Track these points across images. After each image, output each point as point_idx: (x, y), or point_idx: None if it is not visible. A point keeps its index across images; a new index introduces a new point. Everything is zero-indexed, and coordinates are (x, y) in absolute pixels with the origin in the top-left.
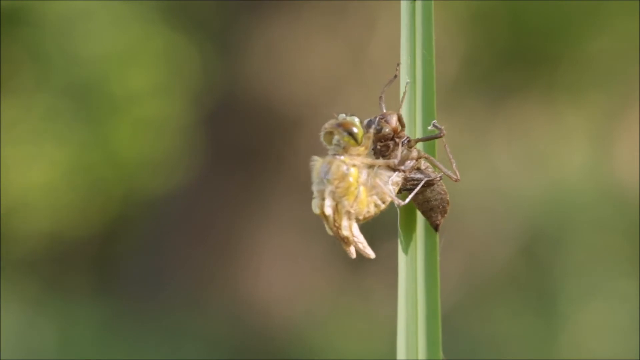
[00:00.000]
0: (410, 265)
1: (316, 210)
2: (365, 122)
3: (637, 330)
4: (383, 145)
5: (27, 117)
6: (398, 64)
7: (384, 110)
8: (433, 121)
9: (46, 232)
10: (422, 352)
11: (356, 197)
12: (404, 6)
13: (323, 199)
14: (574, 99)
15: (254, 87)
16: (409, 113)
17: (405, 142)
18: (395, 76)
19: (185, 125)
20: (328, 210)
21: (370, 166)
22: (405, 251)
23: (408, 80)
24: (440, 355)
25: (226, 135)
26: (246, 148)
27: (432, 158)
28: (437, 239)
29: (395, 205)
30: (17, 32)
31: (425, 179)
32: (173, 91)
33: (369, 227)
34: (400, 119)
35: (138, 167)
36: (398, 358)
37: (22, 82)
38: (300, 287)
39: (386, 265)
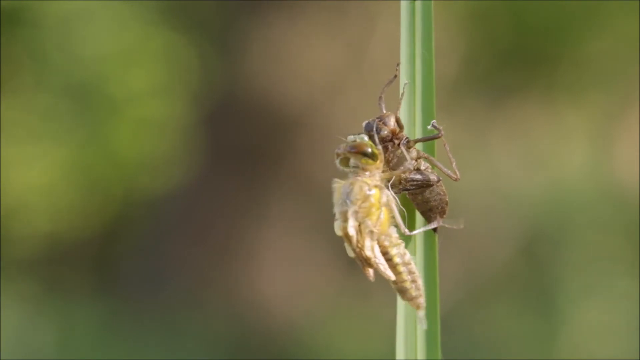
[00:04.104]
0: None
1: (339, 232)
2: (364, 124)
3: (637, 330)
4: (382, 147)
5: (27, 117)
6: (398, 64)
7: (384, 111)
8: (432, 121)
9: (46, 232)
10: (421, 352)
11: (378, 217)
12: (404, 6)
13: (345, 220)
14: (574, 99)
15: (254, 87)
16: (408, 113)
17: (405, 142)
18: (395, 76)
19: (185, 125)
20: (351, 231)
21: (388, 181)
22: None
23: (406, 82)
24: (440, 355)
25: (226, 135)
26: (246, 148)
27: (431, 158)
28: (436, 239)
29: (402, 231)
30: (17, 32)
31: (423, 180)
32: (173, 91)
33: None
34: (398, 121)
35: (138, 167)
36: (397, 358)
37: (22, 82)
38: (300, 287)
39: None
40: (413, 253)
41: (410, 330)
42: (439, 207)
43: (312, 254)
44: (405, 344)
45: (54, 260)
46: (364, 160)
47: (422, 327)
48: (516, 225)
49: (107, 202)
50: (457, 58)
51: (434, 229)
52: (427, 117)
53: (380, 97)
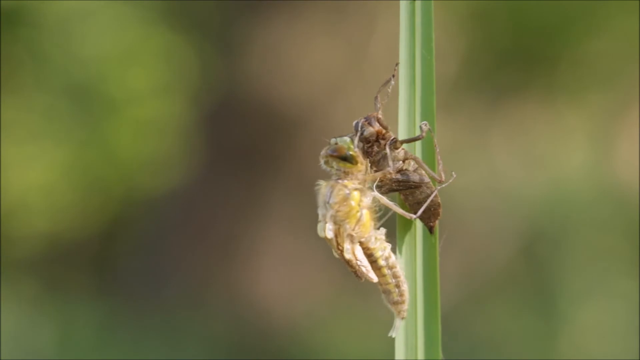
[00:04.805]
0: (409, 265)
1: (321, 233)
2: (354, 124)
3: (637, 330)
4: (368, 147)
5: (27, 117)
6: (397, 64)
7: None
8: (422, 122)
9: (46, 232)
10: (421, 352)
11: (358, 220)
12: (404, 6)
13: (326, 223)
14: (574, 99)
15: (254, 87)
16: (408, 113)
17: (391, 143)
18: (393, 76)
19: (185, 126)
20: (329, 234)
21: (373, 182)
22: (405, 251)
23: (394, 76)
24: (440, 355)
25: (226, 135)
26: (246, 148)
27: (418, 159)
28: (437, 239)
29: (408, 217)
30: (17, 32)
31: (412, 181)
32: (173, 91)
33: None
34: (379, 121)
35: (138, 167)
36: (397, 358)
37: (22, 82)
38: (300, 287)
39: None
40: (413, 253)
41: (410, 330)
42: (431, 209)
43: (312, 254)
44: (405, 344)
45: (54, 260)
46: (342, 164)
47: (392, 334)
48: (516, 225)
49: (107, 202)
50: (457, 58)
51: (430, 230)
52: (426, 117)
53: (376, 97)
